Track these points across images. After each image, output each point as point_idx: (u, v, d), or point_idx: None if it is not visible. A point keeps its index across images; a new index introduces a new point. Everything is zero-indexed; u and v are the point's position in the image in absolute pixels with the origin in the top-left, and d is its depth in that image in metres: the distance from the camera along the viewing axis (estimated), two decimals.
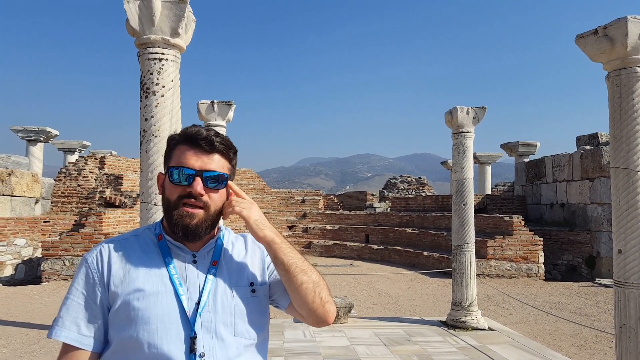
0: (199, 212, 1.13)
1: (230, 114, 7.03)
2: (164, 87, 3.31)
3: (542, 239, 10.48)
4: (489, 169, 18.26)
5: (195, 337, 1.08)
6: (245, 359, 1.15)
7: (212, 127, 7.06)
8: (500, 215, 11.37)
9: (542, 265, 10.33)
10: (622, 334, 2.92)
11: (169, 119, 3.38)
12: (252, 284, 1.21)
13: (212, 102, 6.87)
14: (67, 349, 1.11)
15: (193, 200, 1.12)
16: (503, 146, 16.81)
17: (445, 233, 11.73)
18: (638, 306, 2.85)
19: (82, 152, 18.97)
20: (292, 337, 5.27)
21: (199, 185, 1.12)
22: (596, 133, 12.08)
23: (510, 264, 10.28)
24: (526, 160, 15.17)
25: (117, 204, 11.74)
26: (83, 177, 12.72)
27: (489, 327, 5.82)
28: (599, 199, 10.53)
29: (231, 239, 1.27)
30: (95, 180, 12.76)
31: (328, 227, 15.52)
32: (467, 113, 5.86)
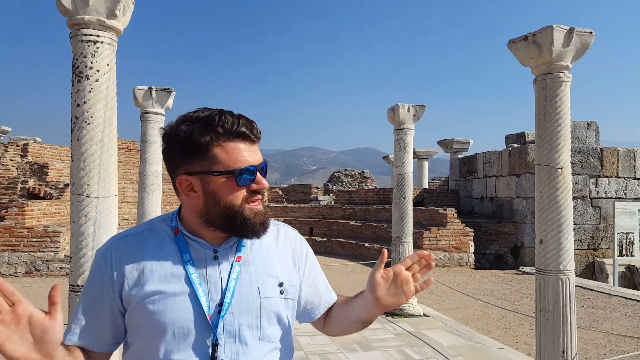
0: (262, 207, 1.05)
1: (170, 102, 6.80)
2: (98, 71, 3.15)
3: (472, 230, 11.10)
4: (426, 164, 18.95)
5: (217, 344, 0.97)
6: None
7: (153, 112, 6.70)
8: (436, 208, 11.89)
9: (473, 255, 10.95)
10: (542, 317, 3.17)
11: (104, 105, 3.22)
12: (281, 284, 1.08)
13: (150, 89, 6.61)
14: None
15: (259, 196, 1.03)
16: (439, 143, 17.50)
17: (385, 225, 12.08)
18: (555, 291, 3.11)
19: (2, 138, 17.58)
20: None
21: (264, 180, 1.03)
22: (523, 132, 12.88)
23: (444, 254, 10.80)
24: (460, 156, 15.89)
25: (41, 194, 11.01)
26: (2, 165, 11.79)
27: (424, 314, 6.10)
28: (524, 194, 11.27)
29: None
30: (17, 169, 11.86)
31: (272, 219, 15.50)
32: (408, 110, 6.06)
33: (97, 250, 1.09)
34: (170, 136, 1.03)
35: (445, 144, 17.08)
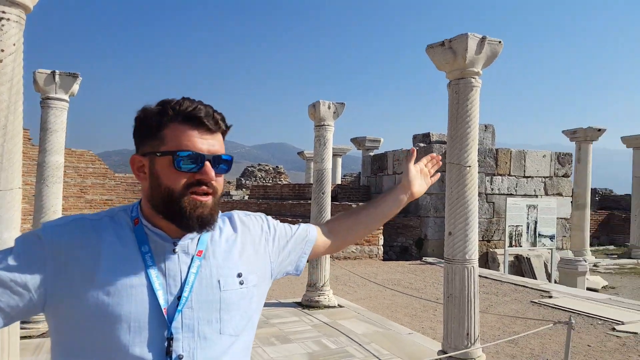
0: (209, 200, 0.99)
1: (75, 87, 6.30)
2: (3, 51, 2.86)
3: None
4: (340, 160, 19.49)
5: (172, 338, 0.95)
6: (231, 358, 1.02)
7: (54, 98, 6.16)
8: (349, 203, 12.32)
9: (382, 247, 11.54)
10: (449, 303, 3.48)
11: (9, 88, 2.93)
12: (240, 275, 1.07)
13: (53, 72, 6.08)
14: None
15: (205, 187, 0.98)
16: (353, 140, 18.08)
17: (301, 220, 12.25)
18: (462, 279, 3.43)
19: None
20: None
21: (211, 171, 0.98)
22: (429, 133, 13.74)
23: (356, 247, 11.25)
24: (372, 154, 16.55)
25: None
26: None
27: (338, 304, 6.33)
28: (428, 190, 12.07)
29: (219, 223, 1.10)
30: None
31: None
32: (329, 107, 6.22)
33: (42, 224, 0.99)
34: (135, 118, 1.02)
35: (358, 141, 17.69)
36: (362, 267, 10.08)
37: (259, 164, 23.78)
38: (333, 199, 14.36)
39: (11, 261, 0.92)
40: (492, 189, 12.00)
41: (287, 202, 14.23)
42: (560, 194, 12.56)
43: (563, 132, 14.10)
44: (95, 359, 0.93)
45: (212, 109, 1.01)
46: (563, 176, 12.70)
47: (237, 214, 1.17)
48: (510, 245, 10.25)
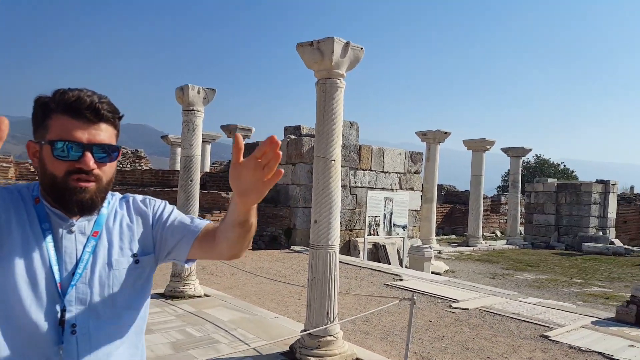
0: (92, 186, 1.05)
1: None
2: None
3: None
4: (208, 147, 19.05)
5: (65, 309, 1.03)
6: (117, 333, 1.09)
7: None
8: (219, 192, 12.17)
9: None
10: (312, 285, 3.74)
11: None
12: (135, 255, 1.15)
13: None
14: None
15: (84, 175, 1.03)
16: (223, 127, 17.80)
17: None
18: (324, 262, 3.70)
19: None
20: None
21: (90, 160, 1.03)
22: (299, 125, 14.18)
23: None
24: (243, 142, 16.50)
25: None
26: None
27: (204, 294, 6.28)
28: (298, 181, 12.49)
29: (116, 206, 1.19)
30: None
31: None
32: (198, 92, 6.09)
33: None
34: (33, 106, 1.07)
35: (228, 129, 17.48)
36: None
37: None
38: (202, 187, 14.04)
39: None
40: (356, 182, 12.87)
41: (148, 189, 13.51)
42: (412, 189, 13.96)
43: (416, 133, 15.66)
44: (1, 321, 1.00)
45: (98, 99, 1.04)
46: (415, 173, 14.12)
47: (133, 198, 1.25)
48: (370, 234, 11.15)
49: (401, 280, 8.11)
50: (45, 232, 1.06)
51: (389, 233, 11.51)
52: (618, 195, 20.91)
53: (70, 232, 1.08)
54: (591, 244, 16.76)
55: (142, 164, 21.18)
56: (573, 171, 35.41)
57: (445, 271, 11.38)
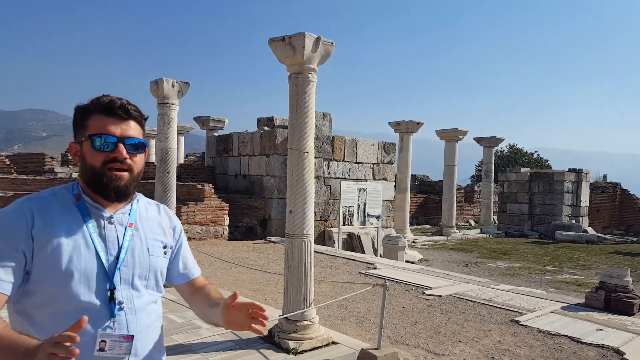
0: (125, 174, 1.26)
1: None
2: None
3: (228, 205, 11.81)
4: (182, 139, 18.88)
5: (115, 289, 1.23)
6: (152, 308, 1.32)
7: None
8: (194, 184, 12.13)
9: (227, 227, 11.69)
10: (289, 273, 3.86)
11: None
12: (165, 246, 1.38)
13: None
14: None
15: (118, 164, 1.24)
16: (196, 119, 17.64)
17: None
18: (300, 251, 3.83)
19: None
20: None
21: (123, 150, 1.24)
22: (272, 117, 14.21)
23: (200, 227, 11.20)
24: (216, 134, 16.40)
25: None
26: None
27: None
28: (272, 172, 12.56)
29: (145, 204, 1.41)
30: None
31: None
32: (173, 86, 6.10)
33: (1, 210, 1.22)
34: (74, 112, 1.30)
35: (201, 120, 17.34)
36: (208, 247, 10.12)
37: None
38: (177, 178, 13.95)
39: (2, 241, 1.17)
40: (329, 173, 13.01)
41: None
42: (385, 179, 14.19)
43: (389, 123, 15.86)
44: (55, 306, 1.18)
45: (127, 102, 1.28)
46: (388, 163, 14.35)
47: (164, 206, 1.50)
48: (344, 224, 11.33)
49: (375, 268, 8.32)
50: (88, 224, 1.25)
51: (363, 223, 11.72)
52: (591, 184, 21.29)
53: (110, 222, 1.28)
54: (564, 233, 17.19)
55: None
56: (547, 160, 36.03)
57: (419, 260, 11.65)
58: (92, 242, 1.23)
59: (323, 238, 12.55)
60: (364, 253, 11.26)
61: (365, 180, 13.47)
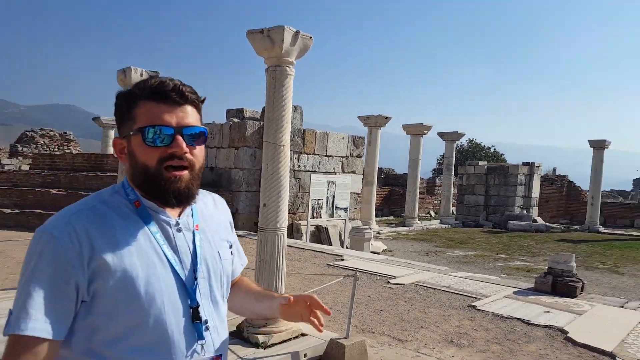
0: (186, 174, 1.03)
1: None
2: None
3: None
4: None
5: (198, 306, 1.05)
6: (225, 320, 1.16)
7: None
8: None
9: None
10: (261, 266, 3.90)
11: None
12: (231, 246, 1.21)
13: None
14: (28, 341, 0.89)
15: (177, 160, 1.01)
16: None
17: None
18: (272, 245, 3.87)
19: None
20: None
21: (183, 143, 1.01)
22: (242, 108, 14.08)
23: None
24: None
25: None
26: None
27: None
28: (241, 165, 12.48)
29: (201, 197, 1.18)
30: None
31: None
32: (141, 75, 5.98)
33: (44, 227, 0.96)
34: (114, 102, 1.06)
35: None
36: None
37: (41, 129, 20.70)
38: None
39: (42, 267, 0.93)
40: (299, 166, 13.06)
41: (80, 174, 12.96)
42: (354, 172, 14.37)
43: (359, 117, 16.05)
44: (137, 338, 0.98)
45: (180, 83, 1.03)
46: (357, 156, 14.53)
47: (213, 194, 1.29)
48: (313, 217, 11.44)
49: (342, 260, 8.46)
50: (154, 235, 1.03)
51: (331, 215, 11.86)
52: (542, 177, 22.69)
53: (179, 230, 1.07)
54: (516, 222, 18.13)
55: (71, 147, 20.08)
56: (502, 154, 37.68)
57: (383, 250, 11.92)
58: (165, 256, 1.03)
59: (291, 231, 12.60)
60: (332, 245, 11.41)
61: (335, 173, 13.59)
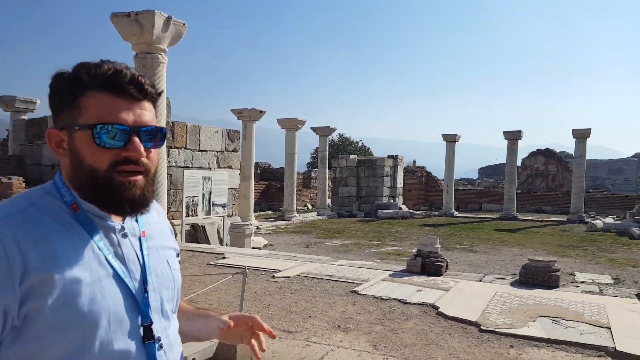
0: (140, 179, 0.88)
1: None
2: None
3: None
4: None
5: (152, 323, 0.90)
6: (178, 336, 1.02)
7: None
8: None
9: None
10: None
11: None
12: (177, 254, 1.07)
13: None
14: None
15: (132, 165, 0.86)
16: None
17: None
18: None
19: None
20: None
21: (140, 147, 0.86)
22: None
23: None
24: (26, 117, 14.20)
25: None
26: None
27: None
28: None
29: None
30: None
31: None
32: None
33: None
34: (49, 86, 0.87)
35: (5, 101, 14.73)
36: None
37: None
38: None
39: None
40: (170, 162, 12.33)
41: None
42: (230, 167, 14.05)
43: (232, 110, 15.71)
44: None
45: (138, 73, 0.88)
46: (233, 151, 14.24)
47: (159, 206, 1.13)
48: (188, 215, 10.90)
49: (224, 258, 8.22)
50: (99, 244, 0.87)
51: (208, 213, 11.44)
52: (404, 168, 24.88)
53: (124, 236, 0.92)
54: (384, 211, 19.58)
55: None
56: (369, 148, 40.36)
57: (264, 245, 11.89)
58: (112, 267, 0.88)
59: None
60: (210, 243, 11.03)
61: (210, 168, 13.13)
